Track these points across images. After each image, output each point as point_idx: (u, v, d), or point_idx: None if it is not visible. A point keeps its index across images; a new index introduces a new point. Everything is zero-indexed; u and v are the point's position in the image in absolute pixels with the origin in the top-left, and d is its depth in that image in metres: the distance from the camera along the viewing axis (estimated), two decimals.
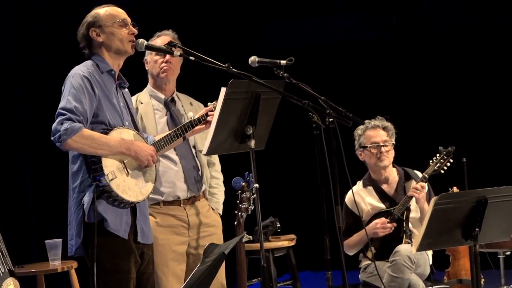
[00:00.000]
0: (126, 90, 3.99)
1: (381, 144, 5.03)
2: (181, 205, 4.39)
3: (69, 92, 3.64)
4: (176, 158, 4.40)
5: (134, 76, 4.30)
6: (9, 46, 6.04)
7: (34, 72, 6.24)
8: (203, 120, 4.13)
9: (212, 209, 4.52)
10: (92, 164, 3.60)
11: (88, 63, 3.79)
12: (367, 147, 5.05)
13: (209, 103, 4.21)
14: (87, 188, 3.62)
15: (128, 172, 3.68)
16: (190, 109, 4.51)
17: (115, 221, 3.63)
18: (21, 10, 6.14)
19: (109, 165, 3.61)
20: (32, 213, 6.14)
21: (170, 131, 4.03)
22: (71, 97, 3.61)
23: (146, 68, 4.56)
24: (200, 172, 4.47)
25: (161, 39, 4.45)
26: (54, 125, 3.58)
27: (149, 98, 4.48)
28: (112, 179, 3.59)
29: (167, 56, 4.37)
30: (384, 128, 5.08)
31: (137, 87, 4.51)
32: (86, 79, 3.67)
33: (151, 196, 4.22)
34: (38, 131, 6.06)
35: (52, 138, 3.59)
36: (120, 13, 3.84)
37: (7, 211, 5.94)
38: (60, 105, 3.62)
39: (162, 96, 4.51)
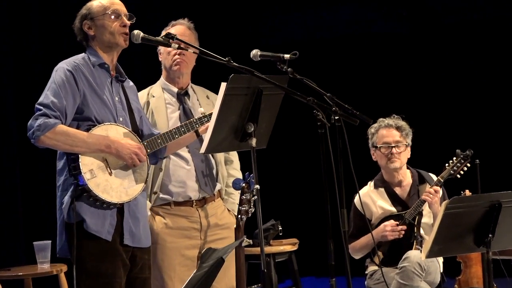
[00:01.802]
0: (130, 84, 3.99)
1: (393, 144, 5.02)
2: (194, 205, 4.39)
3: (49, 86, 3.68)
4: (188, 156, 4.39)
5: (148, 67, 4.29)
6: None
7: (25, 72, 6.26)
8: None
9: (228, 210, 4.52)
10: (72, 162, 3.63)
11: (79, 56, 3.82)
12: (378, 147, 5.05)
13: None
14: (69, 187, 3.66)
15: (111, 171, 3.68)
16: (206, 102, 4.49)
17: (96, 222, 3.65)
18: (12, 6, 6.15)
19: (88, 163, 3.62)
20: (20, 213, 6.16)
21: (172, 128, 4.01)
22: (50, 92, 3.65)
23: (160, 59, 4.55)
24: (215, 171, 4.47)
25: (175, 29, 4.44)
26: (29, 121, 3.62)
27: (161, 92, 4.47)
28: (90, 178, 3.59)
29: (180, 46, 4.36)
30: (398, 128, 5.06)
31: (150, 79, 4.50)
32: (69, 73, 3.69)
33: (160, 196, 4.24)
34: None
35: (27, 135, 3.61)
36: (113, 4, 3.84)
37: None
38: (38, 100, 3.66)
39: (175, 89, 4.50)
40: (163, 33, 4.41)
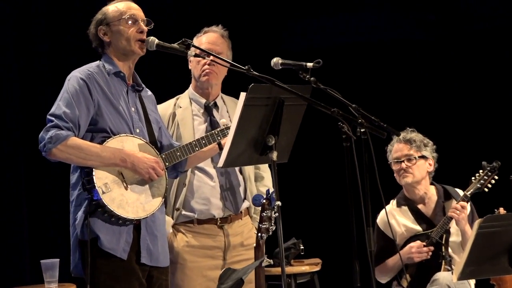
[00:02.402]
0: (149, 93, 4.00)
1: (402, 159, 5.02)
2: (218, 224, 4.40)
3: (61, 96, 3.71)
4: (213, 171, 4.40)
5: (178, 74, 4.28)
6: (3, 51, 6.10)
7: (31, 79, 6.29)
8: None
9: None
10: (85, 176, 3.65)
11: (94, 64, 3.84)
12: (390, 163, 5.07)
13: None
14: (83, 201, 3.67)
15: (127, 185, 3.69)
16: None
17: (111, 239, 3.66)
18: (17, 7, 6.20)
19: (103, 177, 3.64)
20: (26, 228, 6.17)
21: (192, 140, 4.01)
22: (62, 102, 3.67)
23: (189, 67, 4.55)
24: (242, 188, 4.47)
25: (206, 36, 4.46)
26: (40, 133, 3.64)
27: (189, 102, 4.49)
28: (105, 193, 3.61)
29: (211, 57, 4.37)
30: (407, 141, 5.06)
31: (179, 87, 4.52)
32: (83, 82, 3.71)
33: (183, 213, 4.24)
34: (34, 140, 6.08)
35: (38, 147, 3.63)
36: (130, 8, 3.86)
37: None
38: (50, 111, 3.68)
39: (203, 101, 4.50)
40: (195, 40, 4.44)
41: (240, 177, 4.47)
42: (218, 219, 4.41)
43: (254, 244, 4.43)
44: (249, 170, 4.49)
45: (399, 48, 8.03)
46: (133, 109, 3.85)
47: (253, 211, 4.54)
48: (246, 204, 4.48)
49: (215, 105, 4.52)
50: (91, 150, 3.63)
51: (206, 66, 4.44)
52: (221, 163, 3.70)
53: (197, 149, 3.96)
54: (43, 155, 3.65)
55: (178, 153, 3.90)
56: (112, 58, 3.85)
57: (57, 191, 5.76)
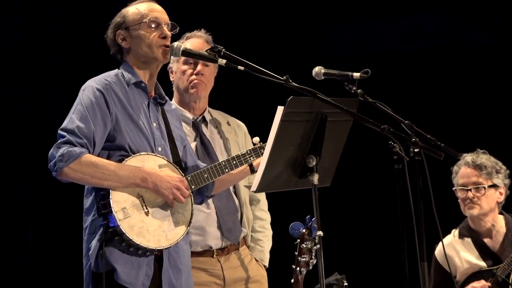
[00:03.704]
0: (173, 107, 4.01)
1: (469, 187, 4.99)
2: (214, 256, 4.41)
3: (75, 109, 3.71)
4: None
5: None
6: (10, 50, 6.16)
7: (39, 82, 6.35)
8: None
9: (256, 260, 4.53)
10: (101, 199, 3.65)
11: (112, 73, 3.85)
12: (454, 189, 5.04)
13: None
14: (98, 229, 3.68)
15: (147, 210, 3.70)
16: (227, 130, 4.49)
17: (129, 272, 3.67)
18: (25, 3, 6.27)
19: (121, 201, 3.65)
20: (32, 260, 6.20)
21: (221, 160, 4.01)
22: (76, 115, 3.68)
23: (171, 78, 4.55)
24: (239, 214, 4.47)
25: (190, 42, 4.45)
26: (51, 150, 3.64)
27: None
28: (123, 219, 3.61)
29: (199, 67, 4.37)
30: (477, 166, 5.02)
31: None
32: (99, 94, 3.71)
33: None
34: (42, 157, 6.13)
35: (48, 166, 3.65)
36: (153, 10, 3.87)
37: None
38: (62, 125, 3.69)
39: (190, 116, 4.51)
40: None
41: (236, 201, 4.47)
42: (215, 250, 4.41)
43: (257, 277, 4.44)
44: (245, 193, 4.49)
45: (458, 55, 8.00)
46: (154, 124, 3.86)
47: (249, 240, 4.52)
48: (243, 231, 4.48)
49: (203, 120, 4.53)
50: (108, 169, 3.63)
51: (194, 77, 4.46)
52: (254, 187, 3.70)
53: (226, 170, 3.96)
54: (53, 175, 3.66)
55: (206, 175, 3.90)
56: (132, 66, 3.86)
57: (68, 216, 5.79)
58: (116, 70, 3.87)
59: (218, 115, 4.62)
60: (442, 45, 8.08)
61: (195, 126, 4.52)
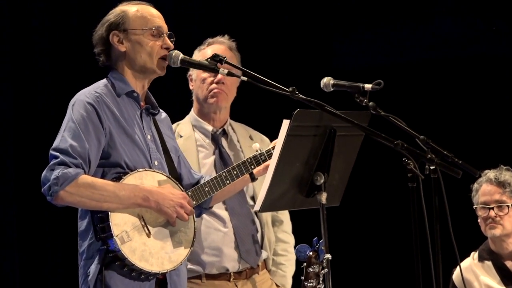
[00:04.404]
0: (163, 116, 3.99)
1: (491, 205, 4.99)
2: (231, 280, 4.40)
3: (65, 126, 3.68)
4: (225, 214, 4.40)
5: (171, 96, 4.27)
6: None
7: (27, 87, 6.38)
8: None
9: (277, 285, 4.52)
10: (99, 222, 3.64)
11: (101, 83, 3.82)
12: (475, 208, 5.03)
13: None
14: (96, 253, 3.66)
15: (149, 232, 3.70)
16: (249, 144, 4.46)
17: None
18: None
19: (121, 223, 3.64)
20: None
21: (221, 171, 4.00)
22: (68, 133, 3.65)
23: (190, 87, 4.55)
24: (260, 234, 4.47)
25: (212, 48, 4.45)
26: (43, 172, 3.61)
27: (191, 130, 4.48)
28: (124, 242, 3.61)
29: (219, 75, 4.36)
30: (500, 184, 5.02)
31: (176, 113, 4.51)
32: (91, 108, 3.69)
33: (189, 266, 4.21)
34: (29, 178, 6.13)
35: (42, 190, 3.62)
36: (155, 17, 3.85)
37: None
38: (53, 145, 3.65)
39: (210, 128, 4.51)
40: (196, 53, 4.46)
41: (257, 221, 4.47)
42: (232, 273, 4.40)
43: None
44: (267, 213, 4.47)
45: (478, 66, 8.01)
46: (149, 136, 3.85)
47: (271, 264, 4.52)
48: (264, 255, 4.48)
49: (224, 132, 4.53)
50: (106, 189, 3.61)
51: (214, 85, 4.45)
52: (257, 206, 3.70)
53: (228, 182, 3.96)
54: (48, 199, 3.62)
55: (207, 189, 3.89)
56: (124, 74, 3.83)
57: (59, 240, 5.79)
58: (104, 80, 3.83)
59: (240, 128, 4.63)
60: (458, 54, 8.09)
61: (214, 139, 4.53)
